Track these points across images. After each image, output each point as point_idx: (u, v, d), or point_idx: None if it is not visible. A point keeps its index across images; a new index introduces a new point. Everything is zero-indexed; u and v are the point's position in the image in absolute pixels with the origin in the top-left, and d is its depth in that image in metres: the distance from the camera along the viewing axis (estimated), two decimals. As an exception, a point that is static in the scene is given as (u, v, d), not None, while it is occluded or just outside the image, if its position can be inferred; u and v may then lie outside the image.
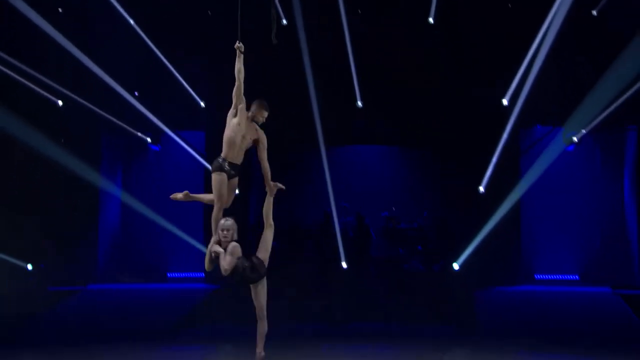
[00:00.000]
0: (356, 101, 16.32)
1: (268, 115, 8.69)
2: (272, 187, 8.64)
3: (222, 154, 8.58)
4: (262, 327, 8.49)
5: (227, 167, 8.57)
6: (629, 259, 17.30)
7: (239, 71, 8.47)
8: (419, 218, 17.71)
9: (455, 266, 15.86)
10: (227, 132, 8.58)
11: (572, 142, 16.37)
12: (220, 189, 8.52)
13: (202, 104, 16.92)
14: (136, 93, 16.64)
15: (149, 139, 17.68)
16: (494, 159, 15.91)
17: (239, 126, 8.59)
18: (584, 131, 16.13)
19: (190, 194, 8.77)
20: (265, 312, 8.49)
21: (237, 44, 8.51)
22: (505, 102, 15.71)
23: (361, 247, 16.84)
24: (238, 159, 8.63)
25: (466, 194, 16.31)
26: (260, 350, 8.46)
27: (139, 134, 17.43)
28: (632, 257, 17.21)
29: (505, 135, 15.88)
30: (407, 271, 16.62)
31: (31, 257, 16.35)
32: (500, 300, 15.84)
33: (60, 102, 16.15)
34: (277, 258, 16.31)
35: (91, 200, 17.67)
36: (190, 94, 16.82)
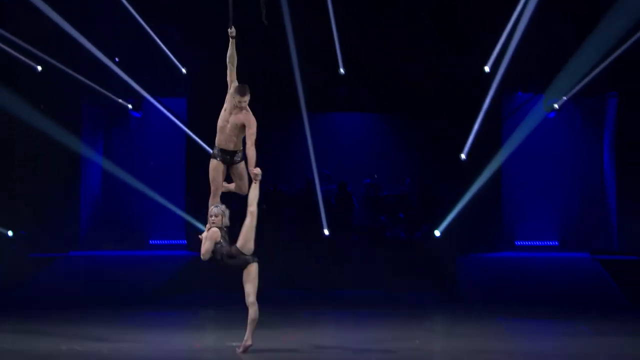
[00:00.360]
0: (338, 68, 16.33)
1: (250, 99, 8.61)
2: (255, 173, 8.59)
3: (215, 141, 8.63)
4: (251, 313, 8.45)
5: (217, 152, 8.62)
6: (608, 224, 17.53)
7: (231, 56, 8.50)
8: (401, 185, 17.83)
9: (437, 233, 16.02)
10: (219, 119, 8.64)
11: (553, 109, 16.49)
12: (213, 175, 8.59)
13: (184, 70, 16.88)
14: (117, 59, 16.56)
15: (130, 106, 17.63)
16: (476, 126, 15.99)
17: (224, 112, 8.63)
18: (564, 98, 16.24)
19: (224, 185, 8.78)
20: (253, 299, 8.44)
21: (229, 30, 8.52)
22: (487, 69, 15.76)
23: (343, 215, 16.96)
24: (229, 145, 8.64)
25: (448, 161, 16.41)
26: (247, 337, 8.44)
27: (120, 100, 17.37)
28: (611, 223, 17.45)
29: (487, 102, 15.94)
30: (389, 239, 16.77)
31: (12, 224, 16.36)
32: (481, 266, 16.04)
33: (39, 68, 16.05)
34: (257, 223, 16.43)
35: (72, 167, 17.65)
36: (172, 61, 16.76)
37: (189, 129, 16.91)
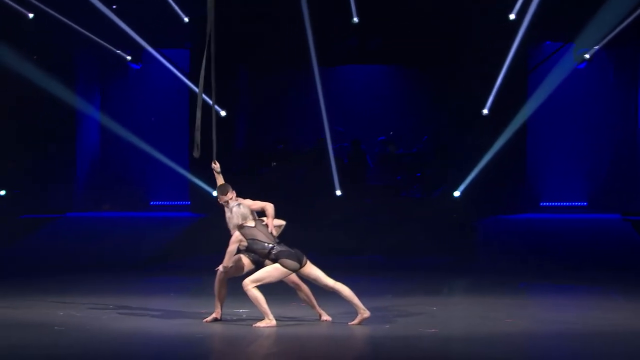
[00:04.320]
0: (351, 17, 16.18)
1: (226, 195, 8.88)
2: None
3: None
4: (344, 290, 8.59)
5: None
6: (640, 184, 17.46)
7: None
8: (418, 143, 17.77)
9: (456, 194, 16.00)
10: None
11: (584, 60, 16.32)
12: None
13: (186, 19, 16.77)
14: (114, 6, 16.47)
15: (128, 57, 17.57)
16: (500, 79, 15.89)
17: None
18: (596, 47, 16.07)
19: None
20: (332, 281, 8.59)
21: (214, 165, 9.04)
22: (512, 16, 15.60)
23: (356, 175, 16.95)
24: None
25: (469, 117, 16.34)
26: (363, 310, 8.60)
27: (118, 51, 17.31)
28: (644, 182, 17.37)
29: (511, 53, 15.82)
30: (405, 199, 16.77)
31: (5, 182, 16.43)
32: (503, 228, 16.03)
33: (30, 15, 15.99)
34: (266, 184, 16.48)
35: (67, 122, 17.65)
36: (173, 8, 16.65)
37: (192, 82, 16.85)
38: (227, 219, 8.70)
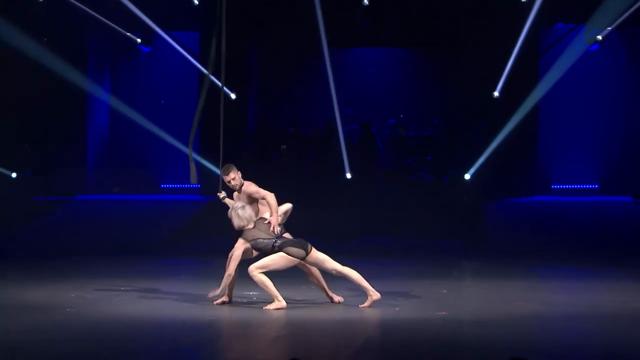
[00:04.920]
0: (362, -1, 16.16)
1: (228, 175, 8.95)
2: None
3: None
4: (352, 274, 8.63)
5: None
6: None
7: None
8: (429, 126, 17.75)
9: (467, 176, 15.99)
10: None
11: (596, 41, 16.24)
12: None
13: (196, 1, 16.75)
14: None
15: (138, 40, 17.57)
16: (511, 61, 15.83)
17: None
18: (609, 29, 15.98)
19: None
20: (339, 266, 8.62)
21: (219, 195, 9.10)
22: (523, -3, 15.53)
23: (367, 158, 16.94)
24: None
25: (480, 99, 16.30)
26: (372, 292, 8.64)
27: (128, 34, 17.32)
28: (656, 165, 17.31)
29: (523, 35, 15.76)
30: (416, 182, 16.76)
31: (15, 165, 16.49)
32: (513, 211, 16.02)
33: (41, -2, 16.02)
34: (276, 167, 16.47)
35: (78, 105, 17.68)
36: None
37: (201, 64, 16.85)
38: (229, 216, 8.70)
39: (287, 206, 8.94)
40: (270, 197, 8.76)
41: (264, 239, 8.59)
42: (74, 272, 11.58)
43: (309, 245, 8.63)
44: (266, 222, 8.70)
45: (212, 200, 16.08)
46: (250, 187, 8.92)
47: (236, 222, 8.64)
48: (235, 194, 9.05)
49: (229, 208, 8.81)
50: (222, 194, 9.17)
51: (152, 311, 8.71)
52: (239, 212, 8.64)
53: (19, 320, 8.19)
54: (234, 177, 8.92)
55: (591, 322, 8.23)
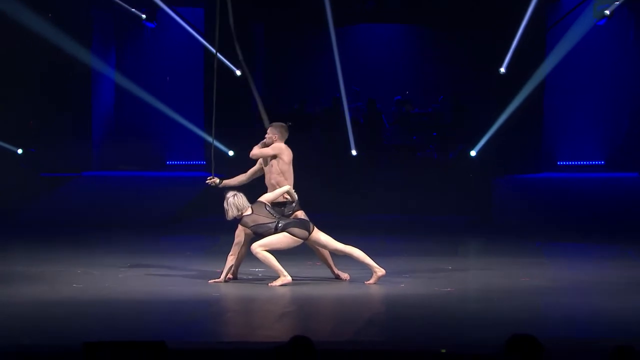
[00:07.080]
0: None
1: (269, 130, 9.26)
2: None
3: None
4: (355, 252, 8.67)
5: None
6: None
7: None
8: (435, 102, 17.70)
9: (473, 153, 15.96)
10: None
11: (604, 16, 16.12)
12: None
13: (201, -24, 16.69)
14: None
15: (143, 16, 17.51)
16: (517, 37, 15.74)
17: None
18: (617, 3, 15.85)
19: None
20: (341, 245, 8.65)
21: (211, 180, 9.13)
22: (530, -28, 15.42)
23: (372, 134, 16.91)
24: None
25: (486, 76, 16.23)
26: (377, 269, 8.65)
27: (133, 9, 17.26)
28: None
29: (529, 10, 15.66)
30: (421, 159, 16.74)
31: (21, 141, 16.52)
32: (519, 188, 16.00)
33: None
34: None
35: (83, 81, 17.66)
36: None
37: (207, 41, 16.79)
38: (224, 210, 8.68)
39: (283, 189, 8.86)
40: (279, 158, 8.95)
41: (264, 223, 8.59)
42: (80, 247, 11.62)
43: (312, 226, 8.64)
44: (264, 203, 8.69)
45: (218, 177, 16.15)
46: (274, 145, 9.10)
47: (230, 212, 8.62)
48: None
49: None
50: (215, 179, 9.14)
51: (158, 287, 8.74)
52: (232, 201, 8.60)
53: (26, 295, 8.22)
54: (270, 135, 9.13)
55: (597, 298, 8.24)
